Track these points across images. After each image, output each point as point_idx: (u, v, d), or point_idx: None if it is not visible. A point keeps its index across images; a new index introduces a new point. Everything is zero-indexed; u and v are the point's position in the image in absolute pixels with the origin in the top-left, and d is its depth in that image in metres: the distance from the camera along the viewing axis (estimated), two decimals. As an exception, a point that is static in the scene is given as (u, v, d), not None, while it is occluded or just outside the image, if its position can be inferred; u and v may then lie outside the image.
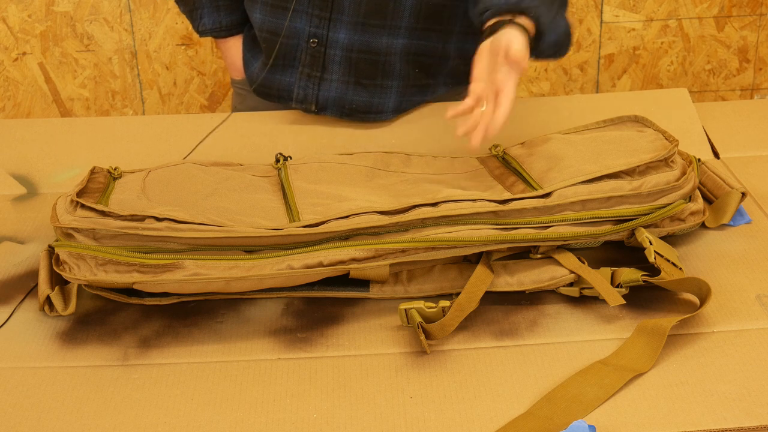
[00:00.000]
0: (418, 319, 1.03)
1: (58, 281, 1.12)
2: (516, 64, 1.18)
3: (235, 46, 1.64)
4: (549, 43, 1.31)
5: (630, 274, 1.09)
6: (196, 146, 1.46)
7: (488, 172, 1.25)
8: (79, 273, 1.07)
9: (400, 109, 1.55)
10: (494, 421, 0.92)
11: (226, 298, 1.12)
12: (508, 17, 1.26)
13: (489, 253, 1.13)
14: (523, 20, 1.25)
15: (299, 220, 1.11)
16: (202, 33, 1.63)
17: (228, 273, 1.05)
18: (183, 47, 2.63)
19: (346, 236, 1.09)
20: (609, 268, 1.11)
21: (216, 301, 1.12)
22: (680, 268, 1.11)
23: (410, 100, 1.55)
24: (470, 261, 1.14)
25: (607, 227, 1.14)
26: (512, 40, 1.20)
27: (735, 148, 1.46)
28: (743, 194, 1.25)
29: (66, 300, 1.10)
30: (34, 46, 2.63)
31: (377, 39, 1.48)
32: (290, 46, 1.52)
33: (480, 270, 1.09)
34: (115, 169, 1.24)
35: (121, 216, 1.07)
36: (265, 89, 1.58)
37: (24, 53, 2.63)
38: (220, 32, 1.62)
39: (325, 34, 1.49)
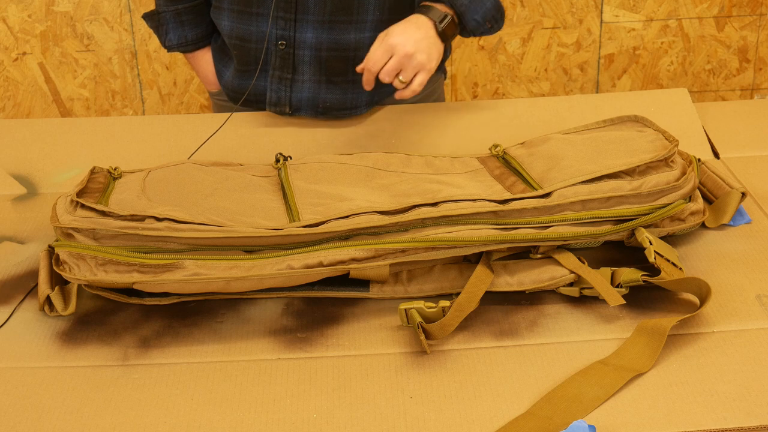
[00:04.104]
0: (418, 319, 1.03)
1: (58, 281, 1.12)
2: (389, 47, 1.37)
3: (203, 59, 1.64)
4: (475, 21, 1.46)
5: (630, 274, 1.09)
6: (200, 146, 1.46)
7: (488, 172, 1.25)
8: (79, 273, 1.07)
9: (373, 102, 1.56)
10: (494, 421, 0.92)
11: (226, 298, 1.12)
12: (429, 2, 1.44)
13: (489, 253, 1.13)
14: (440, 6, 1.43)
15: (299, 220, 1.11)
16: (169, 48, 1.62)
17: (228, 273, 1.05)
18: (183, 47, 2.62)
19: (346, 236, 1.09)
20: (609, 268, 1.11)
21: (216, 301, 1.12)
22: (680, 268, 1.11)
23: (382, 92, 1.56)
24: (470, 261, 1.14)
25: (607, 227, 1.14)
26: (398, 27, 1.39)
27: (735, 148, 1.46)
28: (743, 194, 1.25)
29: (66, 300, 1.10)
30: (34, 46, 2.63)
31: (345, 35, 1.48)
32: (259, 50, 1.52)
33: (480, 270, 1.09)
34: (115, 169, 1.24)
35: (121, 216, 1.07)
36: (239, 95, 1.58)
37: (24, 53, 2.63)
38: (187, 47, 1.62)
39: (292, 36, 1.49)
